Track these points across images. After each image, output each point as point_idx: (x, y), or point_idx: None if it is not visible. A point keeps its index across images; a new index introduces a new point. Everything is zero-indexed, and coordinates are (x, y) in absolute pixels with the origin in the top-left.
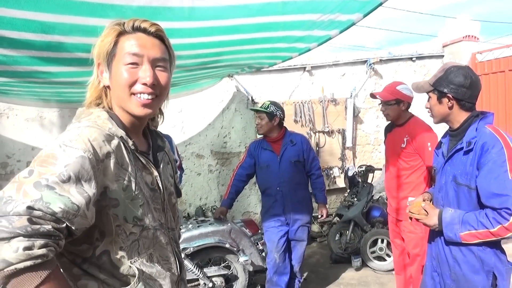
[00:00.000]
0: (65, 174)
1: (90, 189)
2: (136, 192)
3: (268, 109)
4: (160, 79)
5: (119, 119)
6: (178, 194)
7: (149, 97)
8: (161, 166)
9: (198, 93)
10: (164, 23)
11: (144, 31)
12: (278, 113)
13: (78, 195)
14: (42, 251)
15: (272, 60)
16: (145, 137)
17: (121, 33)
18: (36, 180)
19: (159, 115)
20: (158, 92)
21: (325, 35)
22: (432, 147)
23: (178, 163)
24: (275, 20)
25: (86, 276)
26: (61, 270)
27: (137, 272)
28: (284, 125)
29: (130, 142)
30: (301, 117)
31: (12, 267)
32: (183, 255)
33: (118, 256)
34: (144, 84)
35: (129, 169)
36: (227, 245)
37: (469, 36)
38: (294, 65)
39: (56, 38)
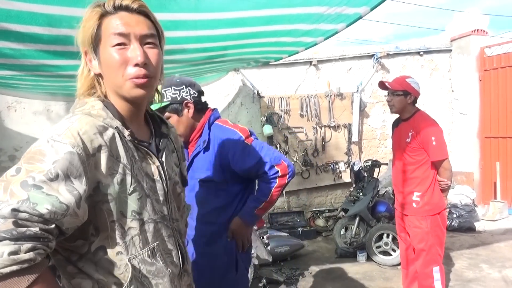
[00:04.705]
0: (53, 172)
1: (80, 185)
2: (133, 186)
3: (165, 99)
4: (150, 57)
5: (115, 108)
6: (184, 183)
7: (144, 79)
8: (165, 154)
9: (204, 87)
10: (170, 15)
11: (127, 9)
12: (184, 94)
13: (67, 194)
14: (29, 255)
15: (278, 55)
16: (147, 124)
17: (103, 15)
18: (23, 179)
19: (156, 95)
20: (152, 72)
21: (331, 29)
22: (436, 141)
23: None
24: (281, 13)
25: (81, 274)
26: (54, 269)
27: (131, 271)
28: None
29: (126, 133)
30: (307, 111)
31: None
32: None
33: (115, 252)
34: (136, 65)
35: (124, 161)
36: None
37: (477, 30)
38: (301, 59)
39: (63, 32)
